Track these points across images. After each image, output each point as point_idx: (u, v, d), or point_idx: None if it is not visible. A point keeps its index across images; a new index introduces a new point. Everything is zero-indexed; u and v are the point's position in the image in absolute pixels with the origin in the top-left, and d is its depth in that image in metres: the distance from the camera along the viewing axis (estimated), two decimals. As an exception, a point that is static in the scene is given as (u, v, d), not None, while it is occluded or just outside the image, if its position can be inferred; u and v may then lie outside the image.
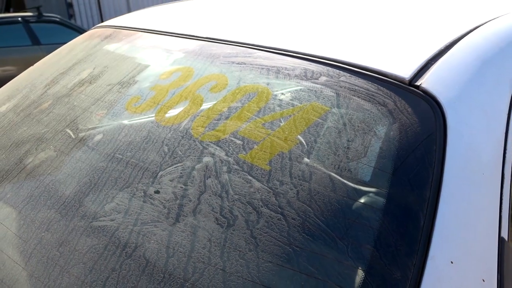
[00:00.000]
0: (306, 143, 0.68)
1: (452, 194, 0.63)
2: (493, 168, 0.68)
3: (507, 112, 0.75)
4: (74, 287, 0.62)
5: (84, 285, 0.62)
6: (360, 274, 0.57)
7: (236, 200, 0.64)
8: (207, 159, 0.70)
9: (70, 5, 12.16)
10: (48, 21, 8.11)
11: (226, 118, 0.75)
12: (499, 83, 0.77)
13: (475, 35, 0.82)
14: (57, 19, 8.29)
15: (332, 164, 0.65)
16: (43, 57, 1.35)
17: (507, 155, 0.70)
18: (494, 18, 0.88)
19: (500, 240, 0.65)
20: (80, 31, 7.84)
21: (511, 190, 0.69)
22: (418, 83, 0.72)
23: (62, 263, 0.66)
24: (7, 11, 12.45)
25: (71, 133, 0.86)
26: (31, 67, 1.29)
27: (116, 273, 0.62)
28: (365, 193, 0.63)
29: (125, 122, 0.84)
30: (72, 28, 8.17)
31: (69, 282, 0.63)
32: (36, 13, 8.04)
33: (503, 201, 0.67)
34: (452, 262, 0.59)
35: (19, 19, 7.84)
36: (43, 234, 0.71)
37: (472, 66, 0.77)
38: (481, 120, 0.71)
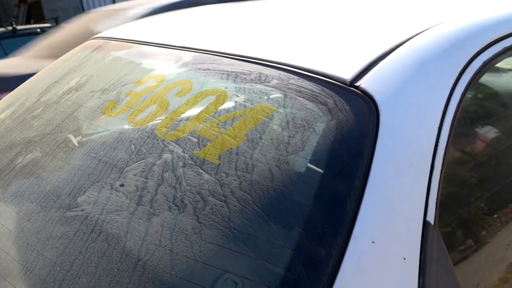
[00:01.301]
0: (252, 139, 0.77)
1: (378, 182, 0.70)
2: (422, 160, 0.75)
3: (442, 110, 0.82)
4: (47, 268, 0.72)
5: (55, 266, 0.72)
6: (289, 253, 0.65)
7: (187, 191, 0.73)
8: (166, 155, 0.80)
9: (88, 15, 12.47)
10: (66, 31, 8.36)
11: (187, 119, 0.84)
12: (438, 83, 0.85)
13: (419, 39, 0.90)
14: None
15: (272, 157, 0.74)
16: None
17: (438, 148, 0.78)
18: (440, 23, 0.95)
19: (425, 223, 0.72)
20: (96, 40, 8.05)
21: (440, 179, 0.76)
22: (358, 84, 0.80)
23: (39, 248, 0.76)
24: (28, 22, 12.86)
25: (55, 136, 0.97)
26: (32, 77, 1.41)
27: (82, 255, 0.71)
28: (299, 182, 0.71)
29: (102, 124, 0.94)
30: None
31: (43, 263, 0.73)
32: (54, 24, 8.32)
33: (431, 189, 0.74)
34: (373, 242, 0.66)
35: (38, 30, 8.13)
36: (25, 224, 0.82)
37: (412, 67, 0.84)
38: (414, 117, 0.78)
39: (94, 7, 12.32)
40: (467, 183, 0.89)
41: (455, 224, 0.84)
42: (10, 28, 7.86)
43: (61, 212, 0.80)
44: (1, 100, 1.34)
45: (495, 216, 0.91)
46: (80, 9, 12.23)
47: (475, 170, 0.93)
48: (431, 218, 0.73)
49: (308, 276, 0.63)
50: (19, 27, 8.09)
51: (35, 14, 13.17)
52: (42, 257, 0.74)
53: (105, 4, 12.48)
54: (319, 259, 0.64)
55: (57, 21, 8.32)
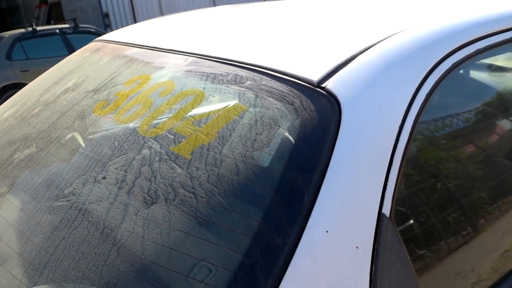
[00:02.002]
0: (223, 136, 0.83)
1: (335, 176, 0.76)
2: (380, 156, 0.80)
3: (405, 109, 0.87)
4: (34, 252, 0.80)
5: (41, 250, 0.79)
6: (247, 240, 0.71)
7: (160, 183, 0.80)
8: (145, 151, 0.87)
9: (106, 16, 12.71)
10: (84, 31, 8.55)
11: (166, 117, 0.91)
12: (402, 84, 0.89)
13: (387, 42, 0.95)
14: (92, 30, 8.73)
15: (239, 153, 0.80)
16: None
17: (398, 146, 0.83)
18: (410, 27, 1.00)
19: (380, 215, 0.77)
20: (113, 40, 8.21)
21: (398, 176, 0.81)
22: (324, 85, 0.86)
23: (28, 234, 0.84)
24: (49, 23, 13.15)
25: (49, 133, 1.04)
26: (37, 78, 1.50)
27: (65, 241, 0.79)
28: (262, 176, 0.77)
29: (91, 122, 1.01)
30: (106, 38, 8.55)
31: (31, 248, 0.81)
32: (72, 25, 8.51)
33: (388, 184, 0.79)
34: (327, 231, 0.72)
35: (57, 31, 8.33)
36: (17, 213, 0.90)
37: (377, 69, 0.89)
38: (375, 116, 0.83)
39: (113, 8, 12.54)
40: (426, 180, 0.94)
41: (412, 217, 0.89)
42: (30, 29, 8.07)
43: (49, 202, 0.87)
44: (9, 99, 1.43)
45: (452, 211, 0.96)
46: (98, 10, 12.45)
47: (434, 168, 0.97)
48: (386, 210, 0.78)
49: (264, 261, 0.69)
50: (39, 28, 8.29)
51: (55, 15, 13.46)
52: (31, 242, 0.82)
53: (123, 5, 12.69)
54: (275, 246, 0.70)
55: (75, 22, 8.50)
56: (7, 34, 8.14)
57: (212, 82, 0.95)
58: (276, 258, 0.69)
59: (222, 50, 1.04)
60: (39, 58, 7.91)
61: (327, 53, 0.94)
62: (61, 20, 12.38)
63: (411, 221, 0.88)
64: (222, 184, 0.77)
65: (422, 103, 0.89)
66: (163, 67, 1.07)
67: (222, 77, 0.95)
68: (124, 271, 0.73)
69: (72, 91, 1.17)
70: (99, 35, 8.56)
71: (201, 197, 0.76)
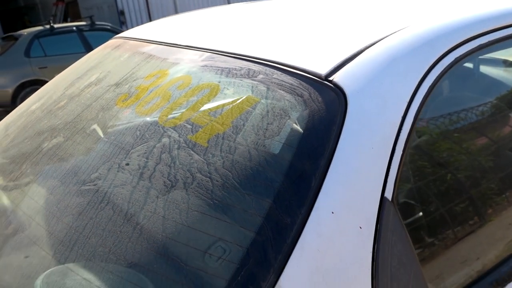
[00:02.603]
0: (237, 126, 0.89)
1: (341, 163, 0.81)
2: (383, 145, 0.86)
3: (408, 101, 0.92)
4: (64, 230, 0.87)
5: (71, 229, 0.87)
6: (259, 220, 0.77)
7: (179, 169, 0.87)
8: (165, 139, 0.93)
9: (122, 13, 12.85)
10: (100, 29, 8.67)
11: (184, 109, 0.97)
12: (406, 77, 0.95)
13: (392, 38, 1.00)
14: (108, 27, 8.86)
15: (252, 141, 0.86)
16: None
17: (401, 135, 0.88)
18: (414, 24, 1.05)
19: (383, 199, 0.83)
20: (129, 37, 8.33)
21: (401, 162, 0.86)
22: (331, 78, 0.91)
23: (59, 215, 0.91)
24: (65, 20, 13.34)
25: (75, 124, 1.12)
26: (60, 73, 1.58)
27: (92, 220, 0.86)
28: (272, 162, 0.84)
29: (114, 114, 1.08)
30: (122, 35, 8.67)
31: (62, 227, 0.88)
32: (89, 22, 8.64)
33: (390, 170, 0.85)
34: (333, 213, 0.78)
35: (74, 28, 8.47)
36: (48, 196, 0.97)
37: (382, 63, 0.94)
38: (379, 107, 0.89)
39: (128, 5, 12.67)
40: (427, 168, 0.99)
41: (413, 201, 0.94)
42: (48, 26, 8.22)
43: (77, 186, 0.95)
44: (34, 93, 1.51)
45: (451, 196, 1.01)
46: (114, 7, 12.60)
47: (435, 156, 1.02)
48: (389, 194, 0.83)
49: (274, 239, 0.75)
50: (56, 26, 8.43)
51: (72, 12, 13.64)
52: (61, 222, 0.89)
53: (138, 2, 12.81)
54: (285, 225, 0.76)
55: (92, 20, 8.63)
56: (25, 31, 8.29)
57: (227, 76, 1.01)
58: (285, 236, 0.75)
59: (235, 46, 1.10)
60: (57, 55, 8.06)
61: (335, 48, 0.99)
62: (77, 17, 12.55)
63: (412, 205, 0.94)
64: (236, 169, 0.83)
65: (425, 95, 0.94)
66: (180, 62, 1.14)
67: (236, 71, 1.01)
68: (146, 247, 0.80)
69: (95, 85, 1.24)
70: (115, 32, 8.69)
71: (216, 181, 0.82)
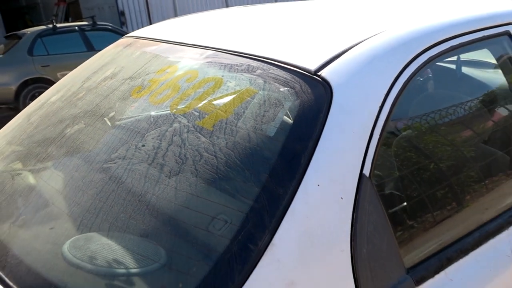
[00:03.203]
0: (238, 113, 1.03)
1: (326, 144, 0.95)
2: (362, 130, 0.99)
3: (385, 93, 1.05)
4: (90, 201, 1.00)
5: (95, 200, 1.00)
6: (257, 191, 0.91)
7: (189, 149, 1.00)
8: (175, 125, 1.07)
9: (122, 13, 12.95)
10: (101, 29, 8.77)
11: (192, 99, 1.11)
12: (384, 73, 1.08)
13: (374, 39, 1.14)
14: (109, 27, 8.95)
15: (251, 126, 1.00)
16: None
17: (378, 122, 1.02)
18: (393, 27, 1.18)
19: (361, 175, 0.96)
20: (130, 37, 8.44)
21: (378, 145, 1.00)
22: (319, 73, 1.05)
23: (84, 188, 1.04)
24: (67, 20, 13.42)
25: (95, 112, 1.25)
26: (75, 69, 1.71)
27: (114, 192, 0.99)
28: (268, 143, 0.97)
29: (130, 103, 1.22)
30: (123, 35, 8.77)
31: (87, 198, 1.02)
32: (91, 22, 8.74)
33: (368, 151, 0.98)
34: (318, 185, 0.91)
35: (76, 28, 8.57)
36: (74, 173, 1.10)
37: (364, 61, 1.08)
38: (360, 98, 1.02)
39: (128, 6, 12.77)
40: (400, 149, 1.13)
41: (387, 178, 1.08)
42: (50, 26, 8.31)
43: (100, 164, 1.08)
44: (52, 87, 1.64)
45: (422, 174, 1.15)
46: (115, 8, 12.69)
47: (408, 140, 1.16)
48: (366, 171, 0.97)
49: (269, 206, 0.89)
50: (59, 25, 8.52)
51: (73, 12, 13.72)
52: (86, 194, 1.03)
53: (138, 3, 12.92)
54: (278, 195, 0.90)
55: (94, 20, 8.73)
56: (28, 30, 8.38)
57: (229, 71, 1.15)
58: (278, 204, 0.89)
59: (236, 45, 1.24)
60: (59, 53, 8.15)
61: (323, 48, 1.13)
62: (78, 17, 12.63)
63: (387, 181, 1.08)
64: (237, 149, 0.97)
65: (400, 89, 1.08)
66: (188, 59, 1.27)
67: (237, 67, 1.14)
68: (161, 214, 0.94)
69: (111, 78, 1.38)
70: (116, 32, 8.79)
71: (220, 158, 0.96)
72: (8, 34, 9.23)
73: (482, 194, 1.26)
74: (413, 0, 1.64)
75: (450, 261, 1.07)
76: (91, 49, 8.32)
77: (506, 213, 1.23)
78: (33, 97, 7.78)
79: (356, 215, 0.93)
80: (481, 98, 1.43)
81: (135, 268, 0.92)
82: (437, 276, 1.03)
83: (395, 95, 1.06)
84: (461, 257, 1.09)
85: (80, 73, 1.59)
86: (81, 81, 1.48)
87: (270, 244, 0.85)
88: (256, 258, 0.84)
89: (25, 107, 6.27)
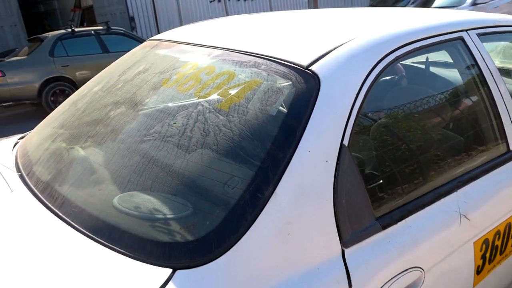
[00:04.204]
0: (248, 98, 1.22)
1: (315, 122, 1.14)
2: (343, 111, 1.18)
3: (361, 84, 1.24)
4: (133, 167, 1.19)
5: (137, 166, 1.19)
6: (263, 155, 1.10)
7: (210, 125, 1.19)
8: (199, 107, 1.26)
9: (132, 19, 13.05)
10: (115, 33, 8.90)
11: (211, 88, 1.30)
12: (360, 68, 1.27)
13: (353, 42, 1.33)
14: (122, 31, 9.08)
15: (258, 107, 1.19)
16: (112, 62, 1.92)
17: (355, 105, 1.21)
18: (367, 32, 1.37)
19: (342, 144, 1.15)
20: (140, 40, 8.60)
21: (355, 121, 1.19)
22: (311, 68, 1.24)
23: (128, 157, 1.23)
24: (82, 25, 13.51)
25: (133, 99, 1.44)
26: (111, 65, 1.88)
27: (152, 159, 1.18)
28: (272, 120, 1.16)
29: (160, 92, 1.40)
30: (134, 38, 8.92)
31: (130, 164, 1.21)
32: (105, 27, 8.87)
33: (347, 127, 1.17)
34: (309, 151, 1.10)
35: (92, 32, 8.71)
36: (120, 145, 1.29)
37: (345, 58, 1.27)
38: (341, 87, 1.21)
39: (138, 12, 12.87)
40: (373, 125, 1.33)
41: (362, 147, 1.27)
42: (69, 30, 8.44)
43: (140, 138, 1.27)
44: (91, 80, 1.82)
45: (390, 144, 1.35)
46: (126, 14, 12.79)
47: (378, 117, 1.36)
48: (346, 142, 1.16)
49: (272, 166, 1.08)
50: (76, 29, 8.65)
51: (88, 18, 13.80)
52: (131, 161, 1.22)
53: (147, 10, 13.01)
54: (279, 158, 1.09)
55: (108, 25, 8.86)
56: (50, 34, 8.51)
57: (240, 66, 1.33)
58: (279, 164, 1.08)
59: (245, 46, 1.42)
60: (77, 55, 8.30)
61: (313, 49, 1.32)
62: (93, 22, 12.73)
63: (361, 150, 1.27)
64: (247, 125, 1.16)
65: (372, 81, 1.27)
66: (206, 57, 1.46)
67: (246, 63, 1.33)
68: (190, 173, 1.13)
69: (144, 73, 1.56)
70: (128, 36, 8.91)
71: (234, 132, 1.15)
72: (31, 37, 9.34)
73: (437, 164, 1.46)
74: (384, 12, 1.83)
75: (410, 213, 1.27)
76: (106, 51, 8.47)
77: (455, 180, 1.43)
78: (54, 94, 7.95)
79: (337, 174, 1.13)
80: (438, 89, 1.64)
81: (171, 213, 1.11)
82: (399, 223, 1.23)
83: (368, 85, 1.25)
84: (418, 210, 1.29)
85: (115, 68, 1.77)
86: (118, 75, 1.66)
87: (273, 193, 1.04)
88: (263, 203, 1.03)
89: (47, 103, 6.52)
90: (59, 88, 8.01)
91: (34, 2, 16.48)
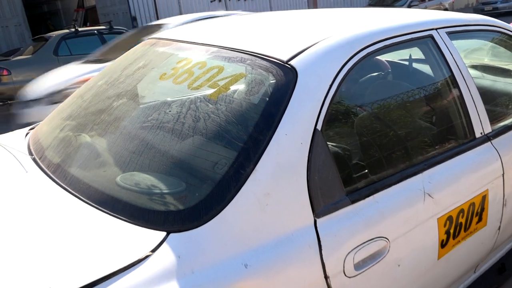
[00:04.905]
0: (234, 89, 1.38)
1: (292, 110, 1.30)
2: (317, 100, 1.35)
3: (334, 76, 1.41)
4: (133, 150, 1.36)
5: (136, 149, 1.36)
6: (246, 137, 1.26)
7: (201, 112, 1.36)
8: (192, 97, 1.42)
9: (134, 19, 13.22)
10: (117, 32, 9.05)
11: (202, 80, 1.46)
12: (334, 63, 1.44)
13: (328, 39, 1.49)
14: (124, 31, 9.24)
15: (243, 97, 1.35)
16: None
17: (328, 96, 1.37)
18: (342, 31, 1.54)
19: (315, 129, 1.32)
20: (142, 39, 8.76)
21: (328, 110, 1.35)
22: (290, 62, 1.40)
23: (130, 139, 1.40)
24: (85, 25, 13.69)
25: (134, 91, 1.60)
26: (114, 61, 2.05)
27: (151, 141, 1.35)
28: (254, 108, 1.33)
29: (158, 85, 1.57)
30: (136, 38, 9.07)
31: (131, 147, 1.37)
32: (108, 27, 9.04)
33: (321, 113, 1.34)
34: (286, 134, 1.27)
35: (95, 31, 8.88)
36: (122, 131, 1.46)
37: (321, 54, 1.43)
38: (316, 80, 1.38)
39: (140, 13, 13.04)
40: (343, 112, 1.49)
41: (333, 131, 1.44)
42: (73, 29, 8.62)
43: (140, 124, 1.44)
44: (96, 75, 1.99)
45: (358, 127, 1.51)
46: (128, 14, 12.96)
47: (348, 106, 1.53)
48: (319, 126, 1.32)
49: (254, 147, 1.24)
50: (80, 29, 8.83)
51: (91, 17, 13.98)
52: (132, 144, 1.39)
53: (149, 11, 13.19)
54: (259, 140, 1.25)
55: (110, 24, 9.02)
56: (54, 34, 8.68)
57: (228, 62, 1.50)
58: (259, 146, 1.24)
59: (233, 43, 1.59)
60: (80, 54, 8.44)
61: (292, 46, 1.48)
62: (96, 22, 12.91)
63: (333, 133, 1.44)
64: (233, 112, 1.33)
65: (345, 74, 1.43)
66: (199, 53, 1.63)
67: (233, 59, 1.50)
68: (183, 154, 1.30)
69: (143, 68, 1.73)
70: (130, 35, 9.05)
71: (221, 117, 1.32)
72: (36, 37, 9.51)
73: (405, 148, 1.62)
74: (363, 12, 1.99)
75: (377, 190, 1.43)
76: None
77: (422, 163, 1.59)
78: (58, 92, 8.11)
79: (310, 154, 1.29)
80: (409, 82, 1.80)
81: (166, 188, 1.28)
82: (367, 199, 1.40)
83: (341, 78, 1.42)
84: (385, 188, 1.45)
85: (118, 64, 1.94)
86: (120, 70, 1.83)
87: (254, 170, 1.21)
88: (244, 178, 1.20)
89: None
90: (63, 86, 8.18)
91: (38, 2, 16.68)
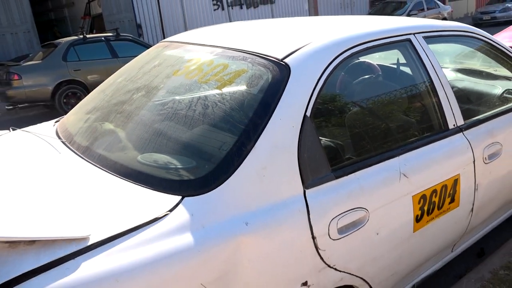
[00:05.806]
0: (237, 82, 1.64)
1: (286, 98, 1.56)
2: (307, 91, 1.60)
3: (321, 72, 1.66)
4: (152, 133, 1.62)
5: (155, 132, 1.61)
6: (246, 121, 1.52)
7: (210, 101, 1.62)
8: (201, 89, 1.68)
9: (139, 26, 13.56)
10: (124, 39, 9.36)
11: (210, 75, 1.72)
12: (321, 60, 1.69)
13: (316, 41, 1.75)
14: (130, 38, 9.55)
15: (244, 88, 1.61)
16: (121, 67, 2.34)
17: (316, 88, 1.63)
18: (328, 34, 1.80)
19: (305, 115, 1.57)
20: (147, 46, 9.06)
21: (316, 99, 1.61)
22: (285, 60, 1.66)
23: (150, 123, 1.66)
24: (91, 32, 14.03)
25: (151, 84, 1.87)
26: (129, 62, 2.32)
27: (167, 124, 1.61)
28: (254, 97, 1.58)
29: (172, 79, 1.83)
30: (141, 44, 9.37)
31: (151, 131, 1.63)
32: (114, 34, 9.34)
33: (310, 102, 1.59)
34: (280, 119, 1.52)
35: (102, 38, 9.19)
36: (142, 117, 1.72)
37: (311, 53, 1.69)
38: (306, 75, 1.63)
39: (145, 20, 13.37)
40: (329, 102, 1.75)
41: (321, 117, 1.70)
42: (81, 36, 8.93)
43: (158, 111, 1.70)
44: (114, 74, 2.25)
45: (343, 116, 1.77)
46: (133, 21, 13.30)
47: (334, 97, 1.78)
48: (308, 113, 1.58)
49: (253, 129, 1.49)
50: (88, 36, 9.13)
51: (97, 25, 14.32)
52: (152, 127, 1.64)
53: (153, 18, 13.52)
54: (258, 124, 1.50)
55: (117, 32, 9.32)
56: (63, 40, 8.98)
57: (232, 60, 1.76)
58: (258, 127, 1.49)
59: (237, 45, 1.85)
60: (88, 60, 8.77)
61: (286, 47, 1.74)
62: (102, 30, 13.25)
63: (320, 120, 1.69)
64: (236, 101, 1.58)
65: (331, 71, 1.69)
66: (207, 53, 1.89)
67: (237, 57, 1.76)
68: (195, 136, 1.55)
69: (158, 66, 1.99)
70: (136, 42, 9.36)
71: (228, 106, 1.58)
72: (45, 43, 9.81)
73: (385, 135, 1.87)
74: (347, 19, 2.26)
75: (359, 168, 1.68)
76: (115, 56, 8.93)
77: (399, 148, 1.84)
78: (67, 96, 8.40)
79: (301, 136, 1.54)
80: (390, 80, 2.06)
81: (181, 164, 1.53)
82: (350, 175, 1.65)
83: (327, 74, 1.67)
84: (366, 167, 1.70)
85: (134, 64, 2.21)
86: (137, 68, 2.10)
87: (254, 147, 1.46)
88: (246, 154, 1.45)
89: (59, 105, 7.02)
90: (71, 91, 8.47)
91: (45, 10, 17.08)
